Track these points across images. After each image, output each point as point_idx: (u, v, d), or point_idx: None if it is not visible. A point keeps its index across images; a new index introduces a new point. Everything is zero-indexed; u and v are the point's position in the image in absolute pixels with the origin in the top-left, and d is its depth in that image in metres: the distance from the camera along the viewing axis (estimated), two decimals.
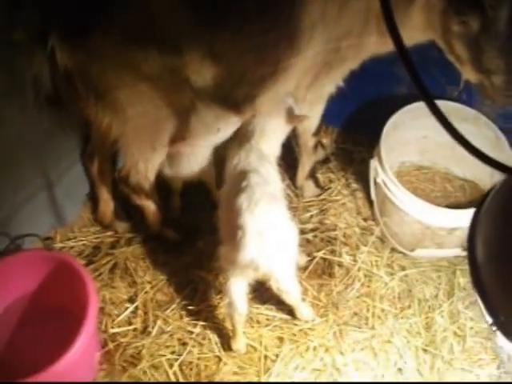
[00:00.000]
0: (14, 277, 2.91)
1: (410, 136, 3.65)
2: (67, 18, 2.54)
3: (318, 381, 3.01)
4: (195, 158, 3.30)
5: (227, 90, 2.85)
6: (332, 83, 3.12)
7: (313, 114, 3.28)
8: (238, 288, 2.82)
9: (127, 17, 2.54)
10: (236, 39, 2.66)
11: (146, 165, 3.09)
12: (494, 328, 1.63)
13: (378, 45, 2.80)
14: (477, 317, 3.19)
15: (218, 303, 3.20)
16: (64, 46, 2.57)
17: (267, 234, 2.67)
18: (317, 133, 3.49)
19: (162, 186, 3.43)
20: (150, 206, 3.36)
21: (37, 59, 2.61)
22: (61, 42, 2.55)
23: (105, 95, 2.72)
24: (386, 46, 2.74)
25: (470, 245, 1.75)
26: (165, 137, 3.01)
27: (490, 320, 1.63)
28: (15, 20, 2.53)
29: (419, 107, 3.38)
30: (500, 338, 1.69)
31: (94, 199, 3.62)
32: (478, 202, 1.84)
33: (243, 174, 2.92)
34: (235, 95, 2.89)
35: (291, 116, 3.15)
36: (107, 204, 3.55)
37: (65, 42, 2.56)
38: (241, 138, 3.18)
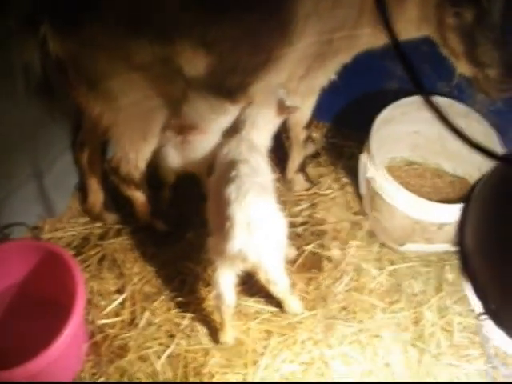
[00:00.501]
0: (2, 266, 2.89)
1: (401, 131, 3.64)
2: (59, 7, 2.53)
3: (316, 381, 3.00)
4: (203, 147, 3.29)
5: (220, 79, 2.85)
6: (324, 76, 3.12)
7: (304, 106, 3.27)
8: (226, 279, 2.82)
9: (119, 5, 2.53)
10: (229, 28, 2.66)
11: (136, 155, 3.07)
12: (485, 316, 1.63)
13: (371, 38, 2.79)
14: (465, 312, 3.20)
15: (207, 295, 3.20)
16: (56, 34, 2.56)
17: (256, 225, 2.66)
18: (308, 126, 3.48)
19: (152, 177, 3.41)
20: (139, 196, 3.35)
21: (28, 47, 2.60)
22: (53, 30, 2.54)
23: (96, 84, 2.71)
24: (380, 40, 2.75)
25: (460, 235, 1.76)
26: (156, 127, 3.00)
27: (480, 309, 1.63)
28: (7, 8, 2.51)
29: (410, 102, 3.39)
30: (488, 328, 1.69)
31: (83, 190, 3.61)
32: (468, 192, 1.85)
33: (233, 164, 2.92)
34: (228, 84, 2.88)
35: (282, 107, 3.14)
36: (97, 195, 3.54)
37: (57, 30, 2.55)
38: (232, 127, 3.17)
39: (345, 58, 3.01)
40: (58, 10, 2.53)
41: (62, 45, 2.59)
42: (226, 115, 3.15)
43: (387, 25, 1.70)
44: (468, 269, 1.66)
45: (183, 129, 3.15)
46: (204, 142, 3.24)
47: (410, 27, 2.71)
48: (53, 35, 2.55)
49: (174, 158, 3.30)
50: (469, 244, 1.72)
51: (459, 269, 1.74)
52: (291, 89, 3.14)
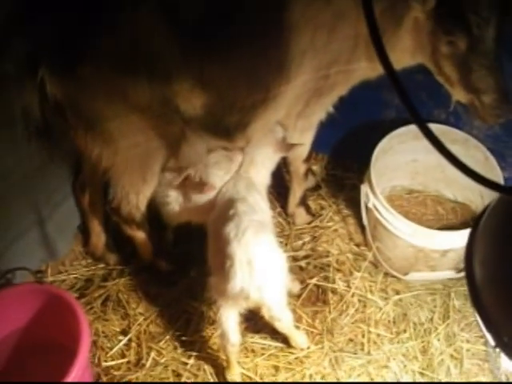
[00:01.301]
0: (6, 311, 2.88)
1: (400, 160, 3.66)
2: (57, 49, 2.54)
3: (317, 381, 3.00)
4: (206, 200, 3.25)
5: (218, 118, 2.86)
6: (322, 110, 3.14)
7: (303, 140, 3.28)
8: (229, 318, 2.80)
9: (115, 47, 2.55)
10: (224, 67, 2.68)
11: (136, 196, 3.07)
12: (498, 350, 1.61)
13: (367, 70, 2.82)
14: (473, 338, 3.18)
15: (212, 333, 3.18)
16: (53, 77, 2.57)
17: (256, 263, 2.65)
18: (307, 159, 3.49)
19: (154, 217, 3.41)
20: (141, 236, 3.34)
21: (26, 91, 2.60)
22: (50, 73, 2.56)
23: (94, 126, 2.72)
24: (376, 71, 2.77)
25: (468, 265, 1.74)
26: (156, 168, 3.00)
27: (492, 342, 1.61)
28: (4, 52, 2.53)
29: (407, 131, 3.40)
30: (503, 360, 1.66)
31: (85, 231, 3.61)
32: (474, 221, 1.83)
33: (231, 203, 2.92)
34: (226, 123, 2.89)
35: (282, 145, 3.15)
36: (99, 236, 3.54)
37: (54, 73, 2.57)
38: None
39: (341, 90, 3.03)
40: (56, 53, 2.55)
41: (60, 87, 2.60)
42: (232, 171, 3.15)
43: (382, 54, 1.71)
44: (477, 300, 1.63)
45: (192, 186, 3.15)
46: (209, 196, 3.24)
47: (405, 56, 2.73)
48: (50, 78, 2.57)
49: (175, 207, 3.30)
50: (477, 275, 1.70)
51: (469, 300, 1.70)
52: (289, 124, 3.16)
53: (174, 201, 3.26)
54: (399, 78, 1.68)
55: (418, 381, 3.05)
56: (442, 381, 3.03)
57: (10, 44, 2.53)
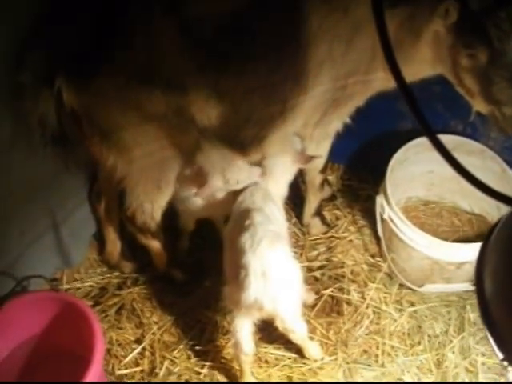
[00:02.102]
0: (21, 319, 2.89)
1: (416, 171, 3.64)
2: (74, 59, 2.57)
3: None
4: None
5: (233, 130, 2.86)
6: (339, 120, 3.13)
7: (320, 151, 3.28)
8: (243, 328, 2.79)
9: (131, 57, 2.57)
10: (240, 77, 2.68)
11: (151, 205, 3.08)
12: (506, 363, 1.59)
13: (384, 81, 2.81)
14: (488, 352, 3.14)
15: (226, 343, 3.17)
16: (70, 86, 2.60)
17: (271, 274, 2.64)
18: (324, 170, 3.49)
19: (169, 226, 3.41)
20: (156, 245, 3.34)
21: (43, 100, 2.63)
22: (67, 82, 2.59)
23: (110, 135, 2.74)
24: (393, 82, 2.75)
25: (478, 278, 1.72)
26: (170, 177, 3.01)
27: (500, 355, 1.59)
28: (22, 62, 2.56)
29: (423, 142, 3.38)
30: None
31: (100, 239, 3.63)
32: (486, 234, 1.82)
33: (247, 213, 2.91)
34: (242, 136, 2.89)
35: (300, 156, 3.15)
36: (114, 244, 3.55)
37: (71, 83, 2.59)
38: None
39: (359, 101, 3.02)
40: (73, 64, 2.57)
41: (76, 97, 2.62)
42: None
43: (393, 65, 1.70)
44: (487, 313, 1.62)
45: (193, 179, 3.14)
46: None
47: (424, 67, 2.73)
48: (67, 87, 2.59)
49: (194, 202, 3.30)
50: (487, 288, 1.68)
51: (479, 313, 1.69)
52: (306, 135, 3.16)
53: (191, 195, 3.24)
54: (410, 89, 1.68)
55: None
56: None
57: (27, 55, 2.57)
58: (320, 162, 3.39)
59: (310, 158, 3.18)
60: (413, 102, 1.53)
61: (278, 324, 2.81)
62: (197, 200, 3.24)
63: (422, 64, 2.71)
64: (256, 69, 2.67)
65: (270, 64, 2.69)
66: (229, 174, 3.04)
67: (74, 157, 2.95)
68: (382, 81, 2.84)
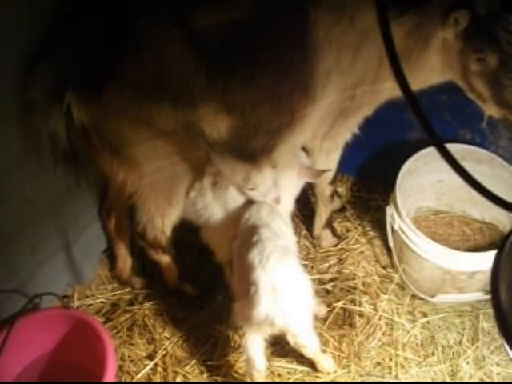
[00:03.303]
0: (33, 336, 2.89)
1: (426, 181, 3.63)
2: (82, 76, 2.57)
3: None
4: None
5: (243, 141, 2.87)
6: (348, 131, 3.14)
7: (329, 163, 3.28)
8: (254, 344, 2.78)
9: (140, 72, 2.57)
10: (249, 90, 2.68)
11: (162, 220, 3.08)
12: None
13: (392, 90, 2.81)
14: (503, 361, 3.12)
15: (238, 358, 3.15)
16: (80, 102, 2.60)
17: (281, 289, 2.64)
18: (333, 181, 3.49)
19: (179, 241, 3.41)
20: (167, 261, 3.34)
21: (53, 116, 2.64)
22: (77, 99, 2.59)
23: (120, 150, 2.74)
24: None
25: (494, 288, 1.71)
26: (181, 191, 3.01)
27: None
28: (31, 78, 2.57)
29: (433, 152, 3.31)
30: None
31: (111, 255, 3.63)
32: (500, 243, 1.80)
33: (254, 229, 2.91)
34: (252, 146, 2.89)
35: (307, 171, 3.15)
36: (125, 260, 3.55)
37: (81, 98, 2.59)
38: None
39: (367, 111, 3.03)
40: (82, 79, 2.58)
41: (86, 113, 2.62)
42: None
43: (399, 75, 1.70)
44: (504, 324, 1.60)
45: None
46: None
47: (434, 74, 2.73)
48: (77, 103, 2.59)
49: (214, 211, 3.24)
50: (504, 298, 1.67)
51: (496, 325, 1.67)
52: (314, 147, 3.16)
53: (211, 203, 3.21)
54: (417, 99, 1.68)
55: None
56: None
57: (36, 70, 2.58)
58: (329, 174, 3.39)
59: (321, 173, 3.18)
60: (420, 112, 1.53)
61: (290, 339, 2.80)
62: (214, 211, 3.22)
63: (432, 71, 2.71)
64: (265, 80, 2.68)
65: (278, 75, 2.69)
66: (253, 173, 3.03)
67: (84, 173, 2.95)
68: (390, 90, 2.84)
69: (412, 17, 2.59)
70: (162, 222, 3.09)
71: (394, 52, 1.60)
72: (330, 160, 3.28)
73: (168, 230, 3.15)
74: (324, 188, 3.49)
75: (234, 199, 3.15)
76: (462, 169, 1.45)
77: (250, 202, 3.12)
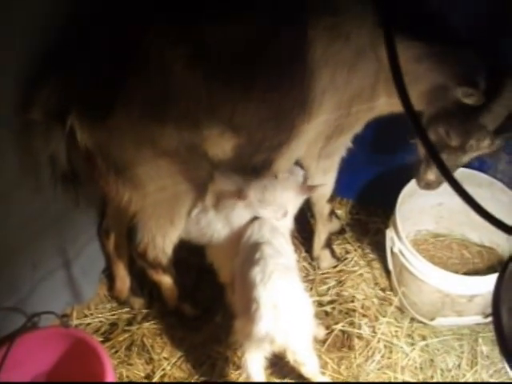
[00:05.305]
0: (31, 355, 2.88)
1: (425, 204, 3.65)
2: (85, 98, 2.57)
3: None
4: None
5: (246, 158, 2.92)
6: (343, 147, 3.19)
7: (326, 179, 3.31)
8: (254, 363, 2.78)
9: (146, 93, 2.58)
10: (254, 109, 2.72)
11: (163, 239, 3.07)
12: None
13: (387, 106, 2.85)
14: None
15: (237, 379, 3.14)
16: (84, 124, 2.59)
17: (282, 307, 2.65)
18: (331, 200, 3.52)
19: (178, 261, 3.41)
20: (167, 281, 3.34)
21: (54, 139, 2.63)
22: (80, 120, 2.58)
23: (124, 171, 2.73)
24: (396, 107, 2.79)
25: (495, 311, 1.71)
26: (183, 211, 3.01)
27: None
28: (33, 100, 2.57)
29: None
30: None
31: (110, 275, 3.62)
32: (499, 267, 1.82)
33: (256, 246, 2.93)
34: (254, 162, 2.95)
35: (303, 188, 3.17)
36: (123, 280, 3.55)
37: (85, 120, 2.58)
38: None
39: (360, 127, 3.08)
40: (86, 100, 2.57)
41: (90, 134, 2.61)
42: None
43: (404, 96, 1.72)
44: (506, 348, 1.60)
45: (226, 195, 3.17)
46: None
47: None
48: (80, 125, 2.58)
49: (218, 229, 3.28)
50: (505, 322, 1.67)
51: (497, 348, 1.67)
52: (311, 165, 3.20)
53: (215, 220, 3.23)
54: (419, 118, 1.69)
55: None
56: None
57: (38, 93, 2.57)
58: (327, 191, 3.42)
59: (312, 188, 3.20)
60: (421, 129, 1.54)
61: (290, 357, 2.79)
62: (217, 229, 3.24)
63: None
64: (267, 99, 2.73)
65: (283, 92, 2.74)
66: (267, 194, 3.09)
67: (83, 193, 2.96)
68: (384, 106, 2.89)
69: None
70: (163, 242, 3.08)
71: (398, 69, 1.62)
72: (327, 178, 3.32)
73: (169, 250, 3.14)
74: (322, 206, 3.51)
75: (239, 217, 3.17)
76: (462, 190, 1.46)
77: (252, 220, 3.13)
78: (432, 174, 2.95)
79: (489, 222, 1.49)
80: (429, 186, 3.03)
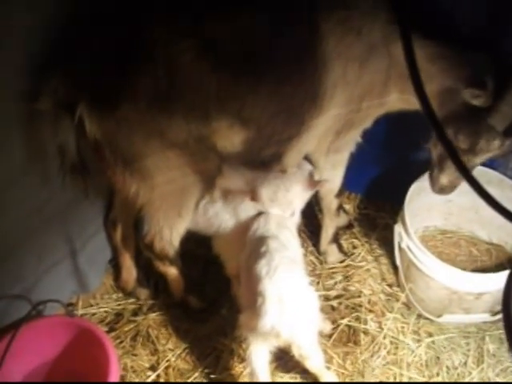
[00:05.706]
0: (36, 343, 2.88)
1: (434, 200, 3.62)
2: (95, 88, 2.56)
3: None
4: None
5: (255, 152, 2.90)
6: (352, 142, 3.18)
7: (335, 174, 3.31)
8: (259, 356, 2.77)
9: (155, 84, 2.57)
10: (264, 102, 2.70)
11: (171, 231, 3.07)
12: None
13: (398, 102, 2.83)
14: None
15: (242, 372, 3.14)
16: (93, 114, 2.57)
17: (287, 300, 2.64)
18: (339, 194, 3.50)
19: (185, 253, 3.40)
20: (173, 272, 3.33)
21: (63, 129, 2.62)
22: (89, 111, 2.57)
23: (133, 163, 2.72)
24: (406, 103, 2.79)
25: (505, 309, 1.69)
26: (191, 203, 3.00)
27: None
28: (43, 90, 2.56)
29: None
30: None
31: (116, 266, 3.62)
32: (510, 264, 1.80)
33: (262, 240, 2.92)
34: (263, 155, 2.94)
35: (310, 182, 3.15)
36: (130, 271, 3.55)
37: (93, 111, 2.57)
38: None
39: (370, 123, 3.07)
40: (95, 91, 2.56)
41: (99, 124, 2.60)
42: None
43: (420, 91, 1.70)
44: None
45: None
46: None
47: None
48: (89, 116, 2.57)
49: (225, 220, 3.27)
50: None
51: (506, 345, 1.66)
52: (320, 159, 3.18)
53: (223, 211, 3.23)
54: (436, 114, 1.67)
55: None
56: None
57: (48, 82, 2.56)
58: (336, 186, 3.41)
59: (322, 183, 3.18)
60: (438, 125, 1.53)
61: (295, 351, 2.79)
62: (225, 219, 3.24)
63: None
64: (278, 92, 2.71)
65: (294, 86, 2.73)
66: (279, 194, 3.07)
67: (92, 185, 2.95)
68: (395, 102, 2.87)
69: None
70: (170, 234, 3.07)
71: (415, 65, 1.60)
72: (336, 172, 3.31)
73: (176, 242, 3.14)
74: (330, 201, 3.50)
75: (246, 210, 3.16)
76: (481, 188, 1.45)
77: (259, 213, 3.12)
78: (445, 179, 2.93)
79: (502, 215, 1.47)
80: (443, 190, 3.01)
